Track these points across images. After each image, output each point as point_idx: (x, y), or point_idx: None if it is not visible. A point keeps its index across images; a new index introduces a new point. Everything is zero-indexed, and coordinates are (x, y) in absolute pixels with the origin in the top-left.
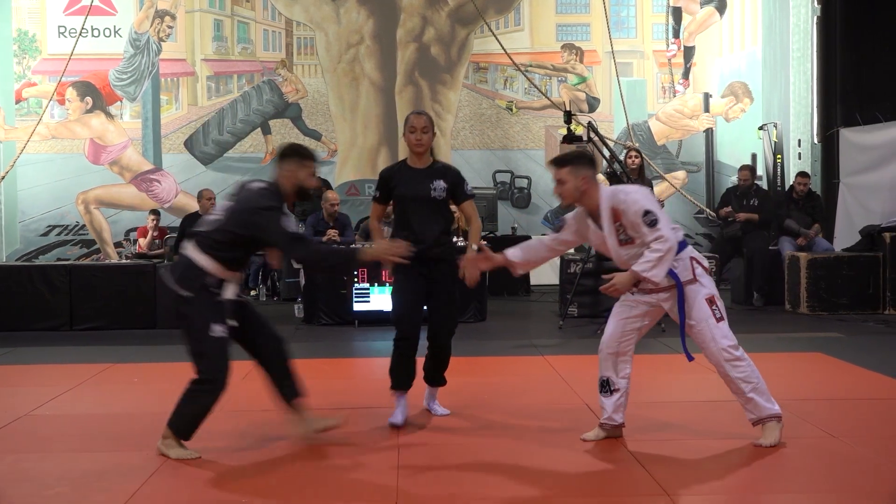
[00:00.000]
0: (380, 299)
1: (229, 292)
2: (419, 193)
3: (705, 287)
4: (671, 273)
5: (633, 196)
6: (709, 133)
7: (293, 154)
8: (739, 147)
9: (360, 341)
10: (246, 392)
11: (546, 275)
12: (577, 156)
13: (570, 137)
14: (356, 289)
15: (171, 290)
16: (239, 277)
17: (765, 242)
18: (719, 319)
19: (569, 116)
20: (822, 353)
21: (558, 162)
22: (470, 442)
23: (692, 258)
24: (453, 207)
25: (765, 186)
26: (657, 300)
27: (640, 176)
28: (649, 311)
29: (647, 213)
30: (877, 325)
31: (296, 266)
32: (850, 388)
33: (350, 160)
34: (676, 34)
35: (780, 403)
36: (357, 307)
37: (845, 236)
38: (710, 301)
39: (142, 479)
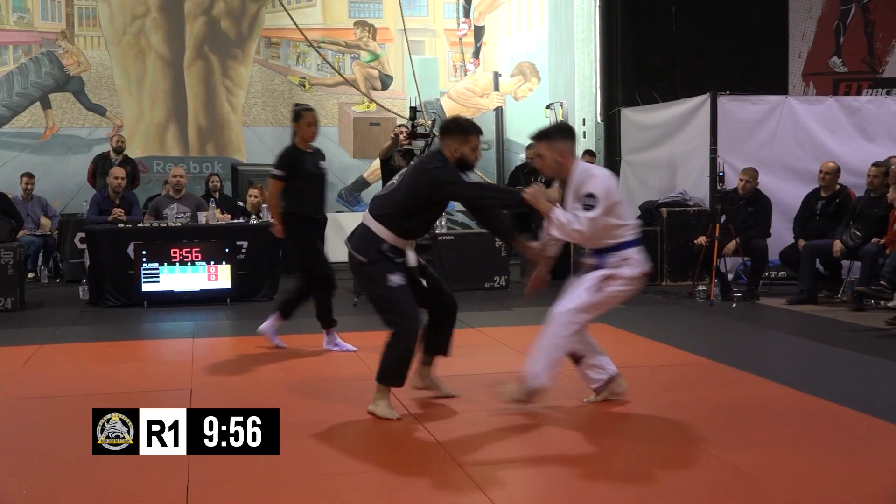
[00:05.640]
0: (169, 279)
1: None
2: (315, 171)
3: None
4: (600, 260)
5: (595, 179)
6: (499, 111)
7: (456, 129)
8: (528, 125)
9: (149, 322)
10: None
11: None
12: (554, 130)
13: (413, 134)
14: (145, 269)
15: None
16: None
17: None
18: (595, 291)
19: (414, 113)
20: (606, 324)
21: (536, 137)
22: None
23: (631, 258)
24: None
25: None
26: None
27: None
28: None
29: (589, 195)
30: (654, 295)
31: (80, 246)
32: (631, 356)
33: (137, 136)
34: (467, 14)
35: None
36: (146, 287)
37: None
38: (607, 277)
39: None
